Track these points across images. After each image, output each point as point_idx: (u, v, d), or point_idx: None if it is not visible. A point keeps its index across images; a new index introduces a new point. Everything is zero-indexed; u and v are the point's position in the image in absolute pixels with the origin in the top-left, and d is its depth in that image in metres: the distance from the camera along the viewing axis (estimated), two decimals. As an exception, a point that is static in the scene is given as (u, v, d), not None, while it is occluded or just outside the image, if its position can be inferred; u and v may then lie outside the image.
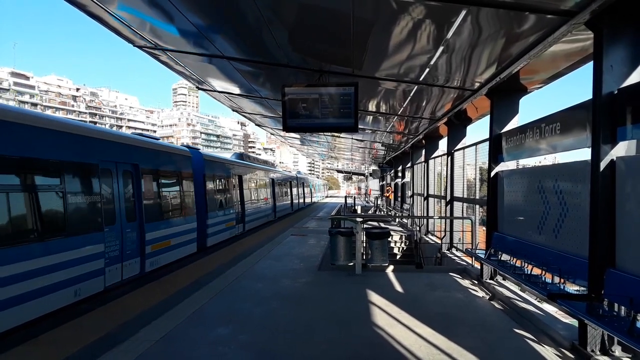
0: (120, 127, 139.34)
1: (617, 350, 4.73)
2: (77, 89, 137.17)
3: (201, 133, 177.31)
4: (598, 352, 4.76)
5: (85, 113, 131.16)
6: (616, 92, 4.56)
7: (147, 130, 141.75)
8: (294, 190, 36.91)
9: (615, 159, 4.60)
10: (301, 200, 41.21)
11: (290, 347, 5.33)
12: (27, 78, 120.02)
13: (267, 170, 26.66)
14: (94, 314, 6.76)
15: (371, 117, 13.19)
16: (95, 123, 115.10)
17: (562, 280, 5.70)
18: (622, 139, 4.54)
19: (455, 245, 12.44)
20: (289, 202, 33.80)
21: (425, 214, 16.91)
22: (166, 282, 8.84)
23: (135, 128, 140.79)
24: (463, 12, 4.83)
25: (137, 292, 8.07)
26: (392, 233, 13.49)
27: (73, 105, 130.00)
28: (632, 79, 4.52)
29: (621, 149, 4.59)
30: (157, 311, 6.67)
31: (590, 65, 4.92)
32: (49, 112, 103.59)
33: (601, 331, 4.69)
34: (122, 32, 7.11)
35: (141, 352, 5.05)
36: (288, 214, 30.95)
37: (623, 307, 4.42)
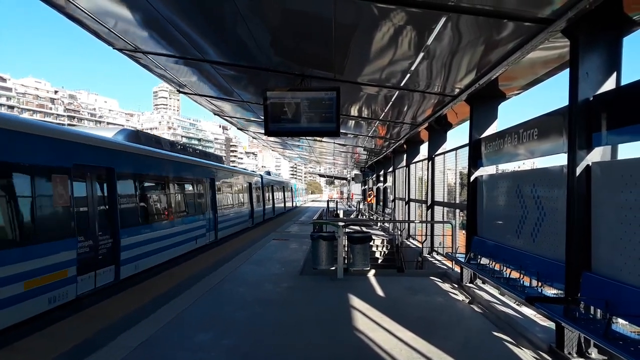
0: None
1: (594, 353, 4.81)
2: (56, 92, 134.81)
3: (182, 137, 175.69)
4: (575, 355, 4.84)
5: (64, 116, 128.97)
6: (591, 99, 4.66)
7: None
8: (258, 195, 28.68)
9: (590, 164, 4.69)
10: (269, 207, 32.91)
11: (273, 351, 5.30)
12: (4, 80, 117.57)
13: (199, 166, 17.37)
14: (72, 321, 6.64)
15: (353, 121, 13.24)
16: (73, 126, 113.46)
17: (539, 284, 5.79)
18: (598, 145, 4.64)
19: (436, 249, 12.52)
20: (247, 212, 25.20)
21: (406, 218, 17.01)
22: (145, 287, 8.71)
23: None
24: (443, 19, 4.89)
25: (115, 298, 7.95)
26: (373, 237, 13.56)
27: (51, 108, 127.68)
28: (606, 86, 4.62)
29: (596, 155, 4.69)
30: (137, 317, 6.55)
31: (567, 72, 5.01)
32: (25, 114, 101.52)
33: (578, 334, 4.76)
34: (101, 34, 7.02)
35: (120, 358, 4.96)
36: (245, 229, 23.82)
37: (599, 310, 4.50)
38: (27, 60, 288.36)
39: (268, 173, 41.00)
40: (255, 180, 28.41)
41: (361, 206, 35.74)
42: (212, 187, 18.25)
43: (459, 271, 8.99)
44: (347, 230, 10.84)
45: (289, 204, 47.00)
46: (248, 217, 25.15)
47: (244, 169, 33.70)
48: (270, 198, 34.16)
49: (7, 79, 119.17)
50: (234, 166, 35.85)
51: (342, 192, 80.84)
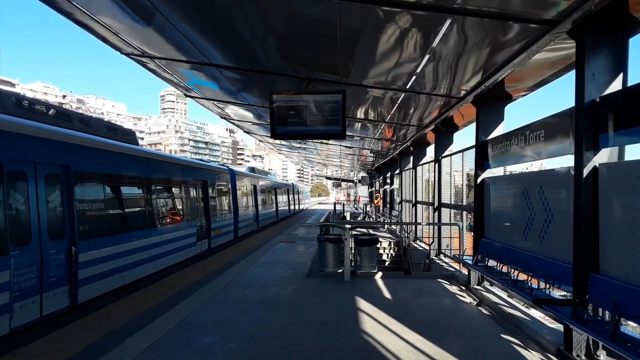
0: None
1: (602, 355, 4.78)
2: (64, 96, 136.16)
3: (189, 140, 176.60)
4: (583, 357, 4.81)
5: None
6: (598, 100, 4.64)
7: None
8: (227, 201, 19.86)
9: (597, 165, 4.67)
10: (247, 217, 23.46)
11: (280, 355, 5.32)
12: (13, 85, 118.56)
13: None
14: (80, 324, 6.70)
15: (359, 124, 13.25)
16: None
17: (547, 286, 5.76)
18: (605, 146, 4.62)
19: (443, 251, 12.50)
20: (196, 230, 15.16)
21: (413, 221, 16.97)
22: (152, 291, 8.77)
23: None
24: (448, 21, 4.89)
25: (123, 301, 8.00)
26: (380, 239, 13.54)
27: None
28: (613, 87, 4.61)
29: (604, 156, 4.67)
30: (144, 320, 6.60)
31: (573, 73, 4.99)
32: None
33: (586, 336, 4.73)
34: (110, 39, 7.09)
35: (127, 361, 5.00)
36: (191, 260, 14.24)
37: (607, 312, 4.47)
38: (36, 65, 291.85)
39: (252, 170, 29.52)
40: (217, 177, 18.83)
41: (368, 208, 35.71)
42: (66, 191, 8.24)
43: (467, 273, 8.96)
44: (354, 232, 10.85)
45: (284, 209, 36.99)
46: (195, 239, 15.09)
47: (194, 160, 20.53)
48: (252, 204, 24.78)
49: (16, 83, 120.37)
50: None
51: (348, 195, 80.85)
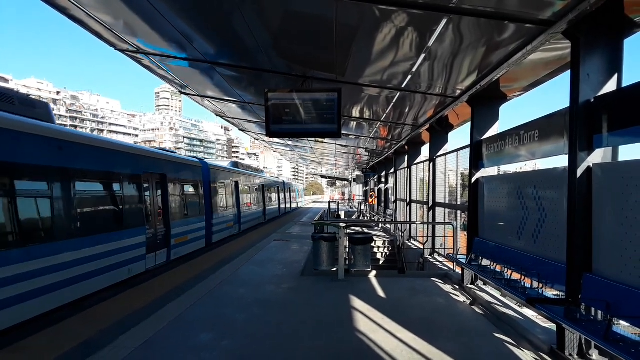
0: (102, 131, 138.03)
1: (595, 354, 4.81)
2: (58, 93, 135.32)
3: (184, 137, 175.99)
4: (576, 356, 4.84)
5: (66, 117, 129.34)
6: (592, 100, 4.66)
7: (129, 135, 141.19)
8: (188, 201, 15.44)
9: (592, 165, 4.69)
10: (228, 217, 20.72)
11: (274, 353, 5.31)
12: (7, 81, 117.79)
13: None
14: (73, 321, 6.66)
15: (355, 122, 13.25)
16: (75, 127, 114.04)
17: (540, 285, 5.79)
18: (599, 146, 4.64)
19: (437, 250, 12.53)
20: (142, 241, 11.33)
21: (408, 220, 17.00)
22: (146, 288, 8.74)
23: (117, 133, 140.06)
24: (444, 21, 4.90)
25: (117, 299, 7.96)
26: (375, 238, 13.54)
27: (53, 109, 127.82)
28: (607, 88, 4.63)
29: (598, 156, 4.69)
30: (138, 317, 6.57)
31: (568, 74, 5.01)
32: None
33: (579, 335, 4.76)
34: (104, 35, 7.05)
35: (121, 358, 4.97)
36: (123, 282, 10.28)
37: (600, 312, 4.50)
38: (30, 61, 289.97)
39: (235, 164, 25.37)
40: (182, 171, 15.33)
41: (362, 207, 35.72)
42: None
43: (460, 272, 8.98)
44: (348, 231, 10.85)
45: (274, 208, 34.46)
46: (145, 251, 11.51)
47: (148, 148, 15.99)
48: (232, 204, 21.63)
49: (10, 79, 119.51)
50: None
51: (343, 193, 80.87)
